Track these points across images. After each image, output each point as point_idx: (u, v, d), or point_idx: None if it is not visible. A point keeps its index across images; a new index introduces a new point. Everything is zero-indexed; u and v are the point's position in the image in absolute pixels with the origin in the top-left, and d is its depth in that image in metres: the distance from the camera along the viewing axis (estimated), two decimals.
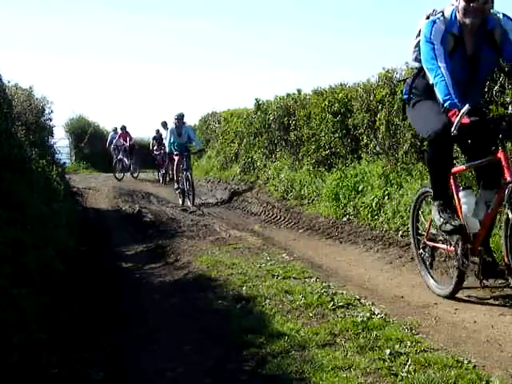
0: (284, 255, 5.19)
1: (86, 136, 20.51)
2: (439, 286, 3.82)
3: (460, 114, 3.09)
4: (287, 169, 9.23)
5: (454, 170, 3.64)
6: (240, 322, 3.32)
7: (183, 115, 10.76)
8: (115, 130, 17.19)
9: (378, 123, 6.38)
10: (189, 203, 9.88)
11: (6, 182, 4.00)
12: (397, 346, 2.82)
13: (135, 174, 16.37)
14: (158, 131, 17.29)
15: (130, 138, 16.58)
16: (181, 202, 10.27)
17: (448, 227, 3.42)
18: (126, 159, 16.06)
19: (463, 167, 3.70)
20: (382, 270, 4.66)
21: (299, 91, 9.59)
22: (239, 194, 10.51)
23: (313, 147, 8.30)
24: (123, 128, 16.71)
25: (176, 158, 10.54)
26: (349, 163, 7.27)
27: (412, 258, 4.90)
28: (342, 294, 3.78)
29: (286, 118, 9.57)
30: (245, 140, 11.87)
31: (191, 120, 17.31)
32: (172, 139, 10.63)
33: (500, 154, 3.20)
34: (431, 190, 3.68)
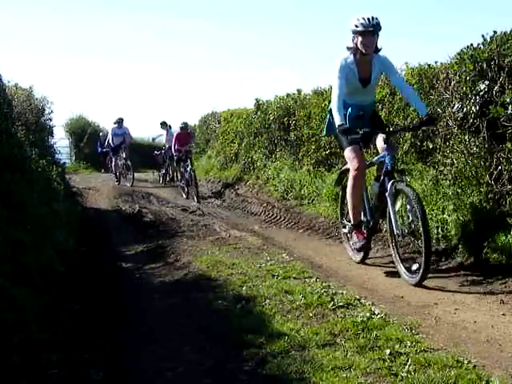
0: (284, 255, 5.18)
1: (85, 136, 20.52)
2: None
3: None
4: (287, 169, 9.23)
5: None
6: (240, 322, 3.32)
7: (379, 26, 4.24)
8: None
9: None
10: (403, 271, 4.16)
11: (5, 181, 4.00)
12: (397, 346, 2.82)
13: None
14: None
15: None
16: (359, 257, 4.85)
17: None
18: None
19: None
20: (381, 270, 4.65)
21: (299, 91, 9.60)
22: None
23: (313, 147, 8.30)
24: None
25: (351, 149, 4.48)
26: None
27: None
28: (342, 293, 3.78)
29: (285, 118, 9.57)
30: (245, 140, 11.87)
31: (191, 120, 17.06)
32: (343, 97, 4.30)
33: None
34: None
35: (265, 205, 8.81)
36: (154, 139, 17.62)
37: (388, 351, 2.75)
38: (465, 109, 4.63)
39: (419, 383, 2.42)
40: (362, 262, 4.83)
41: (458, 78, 4.74)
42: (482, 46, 4.57)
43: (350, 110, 4.52)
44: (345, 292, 3.82)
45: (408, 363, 2.61)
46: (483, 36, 4.55)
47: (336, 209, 6.87)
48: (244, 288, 4.05)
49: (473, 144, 4.61)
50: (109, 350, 3.03)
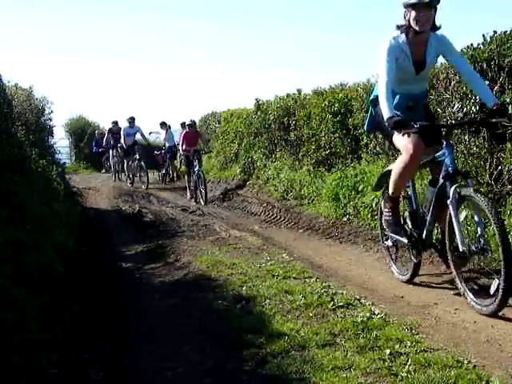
0: (284, 255, 5.18)
1: (85, 136, 20.52)
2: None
3: None
4: (287, 169, 9.23)
5: None
6: (240, 322, 3.32)
7: None
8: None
9: None
10: (470, 297, 3.40)
11: (5, 181, 4.00)
12: (397, 346, 2.82)
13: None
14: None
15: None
16: (405, 276, 4.15)
17: None
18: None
19: None
20: (381, 270, 4.65)
21: (299, 91, 9.61)
22: None
23: (313, 147, 8.31)
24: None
25: (412, 141, 3.52)
26: (349, 163, 7.28)
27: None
28: (342, 293, 3.78)
29: (286, 118, 9.58)
30: (245, 140, 11.87)
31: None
32: (391, 84, 3.53)
33: None
34: None
35: (265, 205, 8.81)
36: (150, 133, 17.67)
37: (388, 351, 2.75)
38: (465, 109, 4.63)
39: (419, 383, 2.42)
40: (410, 281, 4.07)
41: (458, 77, 4.74)
42: (482, 46, 4.58)
43: (397, 99, 3.73)
44: (345, 292, 3.82)
45: (408, 363, 2.61)
46: (483, 36, 4.56)
47: (337, 208, 6.89)
48: (244, 288, 4.05)
49: (473, 144, 4.61)
50: (109, 350, 3.03)
